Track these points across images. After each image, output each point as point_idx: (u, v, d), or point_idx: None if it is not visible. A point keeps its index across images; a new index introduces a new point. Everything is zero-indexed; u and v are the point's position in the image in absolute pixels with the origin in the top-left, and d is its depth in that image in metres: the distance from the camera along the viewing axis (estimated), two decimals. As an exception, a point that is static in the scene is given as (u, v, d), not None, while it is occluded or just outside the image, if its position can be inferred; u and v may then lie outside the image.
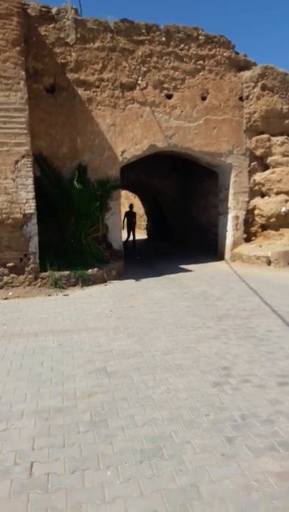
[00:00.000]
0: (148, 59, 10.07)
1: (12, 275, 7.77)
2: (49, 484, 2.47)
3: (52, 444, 2.85)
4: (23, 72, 7.71)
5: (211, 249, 12.75)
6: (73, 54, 9.47)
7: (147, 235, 21.61)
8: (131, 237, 16.29)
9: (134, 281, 8.93)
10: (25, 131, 7.68)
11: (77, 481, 2.48)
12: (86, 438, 2.91)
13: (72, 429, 3.02)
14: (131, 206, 16.59)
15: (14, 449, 2.80)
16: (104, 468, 2.59)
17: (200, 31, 10.51)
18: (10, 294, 7.52)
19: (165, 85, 10.24)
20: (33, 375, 3.97)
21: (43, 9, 9.29)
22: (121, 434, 2.94)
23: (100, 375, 3.94)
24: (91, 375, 3.96)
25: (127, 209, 16.45)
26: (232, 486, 2.43)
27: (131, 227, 16.20)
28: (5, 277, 7.74)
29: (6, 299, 7.32)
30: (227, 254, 11.57)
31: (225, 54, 10.75)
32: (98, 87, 9.66)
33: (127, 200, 24.02)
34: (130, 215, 16.13)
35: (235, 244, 11.44)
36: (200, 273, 9.79)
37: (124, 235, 14.26)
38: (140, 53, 9.99)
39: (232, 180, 11.28)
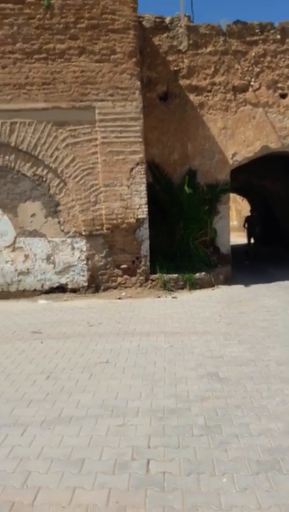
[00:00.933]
0: (261, 59, 9.79)
1: (125, 276, 8.16)
2: (165, 483, 2.53)
3: (167, 444, 2.92)
4: (139, 82, 8.04)
5: None
6: (186, 60, 9.60)
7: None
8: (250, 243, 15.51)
9: (242, 286, 8.74)
10: (140, 140, 8.01)
11: (192, 484, 2.51)
12: (200, 442, 2.93)
13: (186, 432, 3.06)
14: (252, 210, 15.95)
15: (131, 445, 2.93)
16: (219, 475, 2.58)
17: None
18: (123, 294, 7.90)
19: (279, 85, 9.85)
20: (146, 374, 4.11)
21: (157, 20, 9.59)
22: (236, 442, 2.91)
23: (212, 380, 3.93)
24: (203, 379, 3.97)
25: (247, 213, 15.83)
26: None
27: (253, 233, 15.33)
28: (119, 278, 8.15)
29: (119, 298, 7.71)
30: None
31: None
32: (210, 91, 9.66)
33: (234, 203, 23.58)
34: (252, 220, 15.39)
35: None
36: (315, 280, 9.21)
37: (235, 239, 13.84)
38: (253, 54, 9.76)
39: None
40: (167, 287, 8.18)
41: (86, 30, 7.95)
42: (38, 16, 7.86)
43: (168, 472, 2.63)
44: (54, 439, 3.01)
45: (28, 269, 8.23)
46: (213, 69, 9.65)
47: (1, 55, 7.86)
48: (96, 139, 8.00)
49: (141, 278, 8.20)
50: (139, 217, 8.07)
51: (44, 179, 8.12)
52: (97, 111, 7.95)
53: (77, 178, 8.08)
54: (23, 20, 7.84)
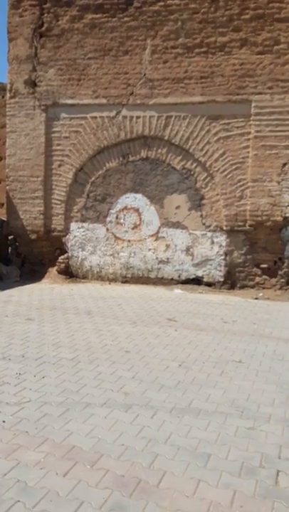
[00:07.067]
0: None
1: (264, 277, 7.84)
2: (295, 500, 2.37)
3: (300, 460, 2.72)
4: (302, 74, 7.56)
5: None
6: None
7: None
8: None
9: None
10: (298, 133, 7.56)
11: None
12: None
13: None
14: None
15: (260, 451, 2.80)
16: None
17: None
18: (260, 294, 7.61)
19: None
20: (282, 382, 3.89)
21: None
22: None
23: None
24: None
25: None
26: None
27: None
28: (257, 278, 7.87)
29: (256, 298, 7.45)
30: None
31: None
32: None
33: None
34: None
35: None
36: None
37: None
38: None
39: None
40: (311, 294, 7.63)
41: (250, 22, 7.73)
42: (203, 10, 7.90)
43: (299, 490, 2.45)
44: (182, 428, 3.05)
45: (167, 259, 8.47)
46: None
47: (164, 51, 8.13)
48: (249, 133, 7.79)
49: (282, 280, 7.78)
50: (287, 215, 7.65)
51: (192, 173, 8.22)
52: (253, 104, 7.72)
53: (225, 173, 7.99)
54: (187, 16, 7.97)
